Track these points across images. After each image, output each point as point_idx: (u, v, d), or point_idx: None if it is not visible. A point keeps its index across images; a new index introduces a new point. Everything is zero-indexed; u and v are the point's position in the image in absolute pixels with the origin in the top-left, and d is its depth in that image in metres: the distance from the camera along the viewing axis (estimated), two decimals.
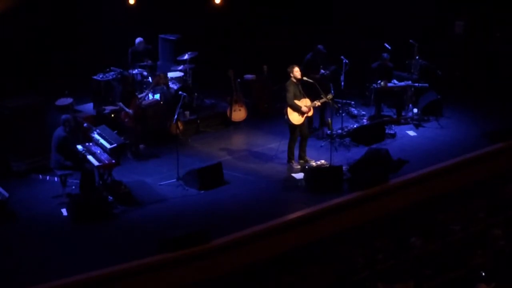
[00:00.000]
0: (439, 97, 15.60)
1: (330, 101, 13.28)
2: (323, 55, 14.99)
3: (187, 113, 15.09)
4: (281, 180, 12.92)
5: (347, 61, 14.50)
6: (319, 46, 15.02)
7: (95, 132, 12.50)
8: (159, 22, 17.01)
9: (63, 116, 12.13)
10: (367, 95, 15.79)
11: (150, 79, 14.99)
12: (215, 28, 17.96)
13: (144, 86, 14.95)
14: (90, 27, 16.54)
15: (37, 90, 14.72)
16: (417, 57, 15.48)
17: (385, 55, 15.27)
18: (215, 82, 16.35)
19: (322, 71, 14.69)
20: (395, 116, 15.42)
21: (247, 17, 18.34)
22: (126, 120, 13.61)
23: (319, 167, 13.03)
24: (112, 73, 15.17)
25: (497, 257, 10.16)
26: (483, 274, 9.43)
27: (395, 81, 15.36)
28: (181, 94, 13.71)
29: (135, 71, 15.08)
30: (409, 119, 15.39)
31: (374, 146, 13.80)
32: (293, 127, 13.14)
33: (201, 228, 10.71)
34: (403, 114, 15.48)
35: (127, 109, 13.59)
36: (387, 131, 14.67)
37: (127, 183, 12.35)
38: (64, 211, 11.69)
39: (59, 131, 11.96)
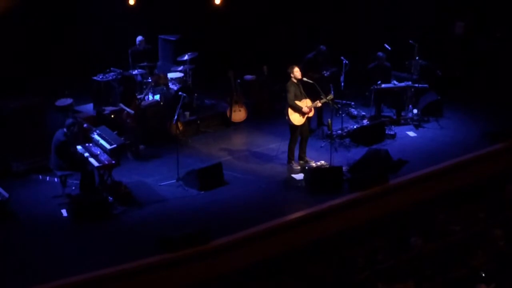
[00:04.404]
0: (439, 97, 15.59)
1: (330, 102, 13.27)
2: (324, 55, 14.98)
3: (187, 113, 15.08)
4: (281, 181, 12.90)
5: (347, 61, 14.48)
6: (322, 47, 15.01)
7: (95, 133, 12.50)
8: (159, 23, 17.00)
9: (68, 120, 12.07)
10: (367, 95, 15.78)
11: (150, 79, 15.00)
12: (215, 29, 17.94)
13: (144, 86, 14.95)
14: (90, 28, 16.53)
15: (37, 90, 14.70)
16: (417, 58, 15.46)
17: (380, 54, 15.16)
18: (215, 82, 16.35)
19: (323, 71, 14.71)
20: (395, 117, 15.41)
21: (247, 17, 18.31)
22: (128, 120, 13.60)
23: (319, 168, 13.03)
24: (112, 73, 15.16)
25: (497, 257, 10.16)
26: (483, 274, 9.44)
27: (395, 82, 15.33)
28: (181, 95, 13.68)
29: (135, 72, 15.08)
30: (409, 120, 15.38)
31: (374, 146, 13.78)
32: (293, 127, 13.13)
33: (201, 229, 10.71)
34: (403, 114, 15.47)
35: (128, 110, 13.58)
36: (387, 131, 14.65)
37: (127, 184, 12.35)
38: (64, 212, 11.69)
39: (59, 135, 11.90)
